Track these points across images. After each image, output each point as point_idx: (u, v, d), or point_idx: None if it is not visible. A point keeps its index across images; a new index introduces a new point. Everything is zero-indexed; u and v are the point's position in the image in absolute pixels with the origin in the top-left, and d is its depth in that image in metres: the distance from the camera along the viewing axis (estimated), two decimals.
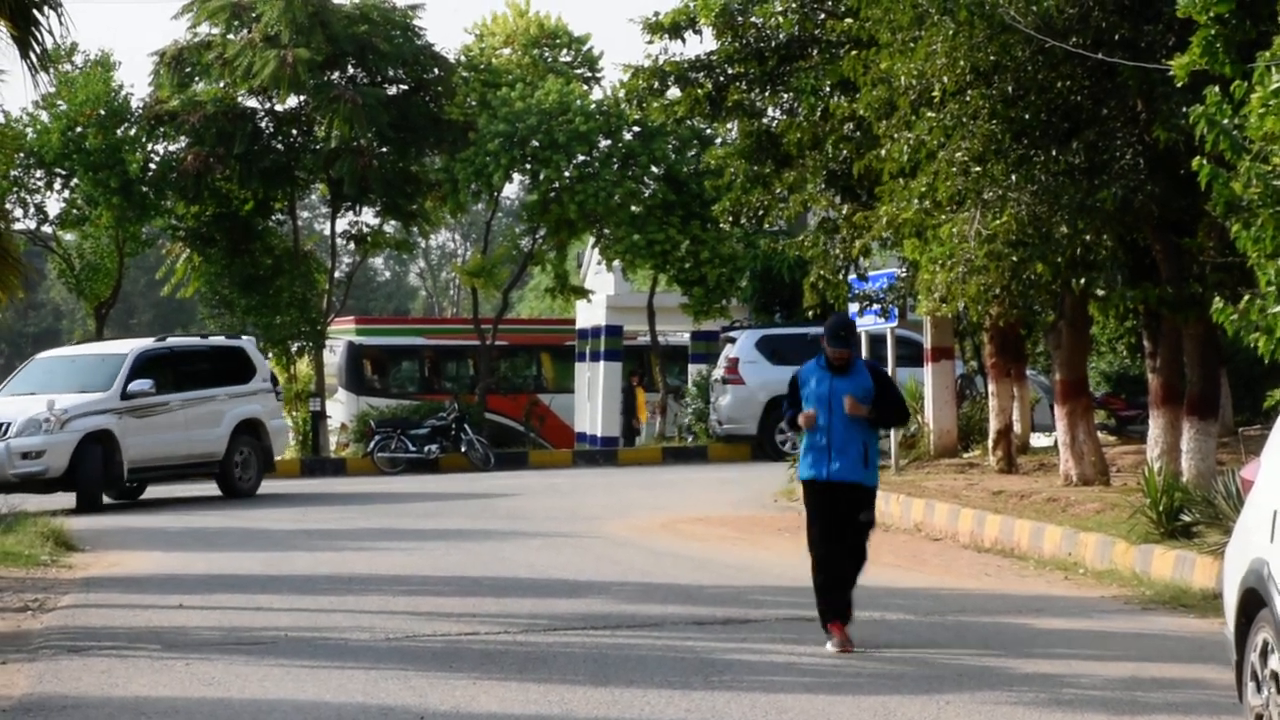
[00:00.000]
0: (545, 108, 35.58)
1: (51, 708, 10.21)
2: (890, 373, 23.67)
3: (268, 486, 27.22)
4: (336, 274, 39.14)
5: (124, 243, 36.73)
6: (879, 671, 11.16)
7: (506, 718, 9.96)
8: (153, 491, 26.97)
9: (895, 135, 17.83)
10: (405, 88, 36.83)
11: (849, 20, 20.56)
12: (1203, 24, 11.97)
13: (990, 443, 23.37)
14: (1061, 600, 14.38)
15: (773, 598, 14.47)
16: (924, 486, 21.37)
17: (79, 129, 35.40)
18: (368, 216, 39.10)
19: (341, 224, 38.28)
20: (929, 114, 17.03)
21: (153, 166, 35.95)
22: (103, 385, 25.15)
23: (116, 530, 21.30)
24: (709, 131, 35.31)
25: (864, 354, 12.77)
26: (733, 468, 31.05)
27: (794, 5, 23.19)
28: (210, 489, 26.99)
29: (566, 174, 36.01)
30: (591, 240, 40.13)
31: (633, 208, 36.32)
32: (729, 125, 27.28)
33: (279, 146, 36.54)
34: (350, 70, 36.24)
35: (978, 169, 16.76)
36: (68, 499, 24.39)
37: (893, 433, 23.90)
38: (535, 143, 35.59)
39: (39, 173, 36.05)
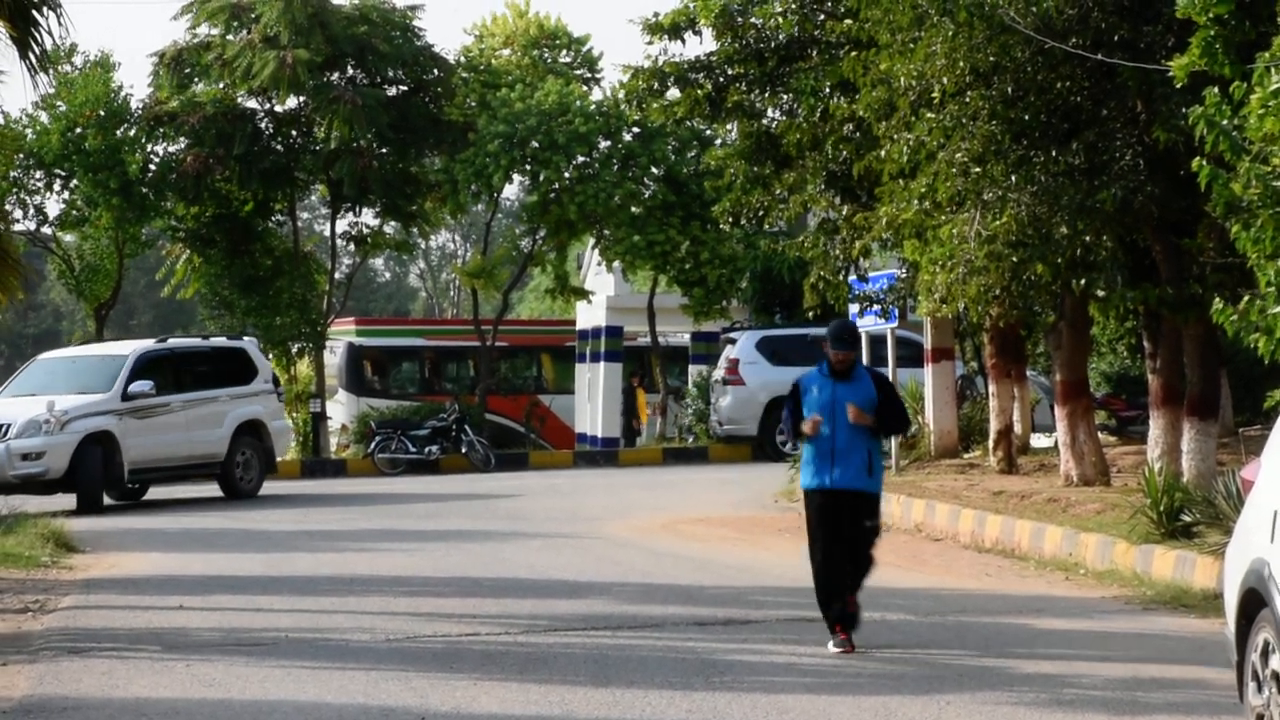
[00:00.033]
0: (545, 108, 35.58)
1: (52, 709, 10.21)
2: (891, 374, 23.77)
3: (268, 488, 27.22)
4: (336, 275, 39.14)
5: (124, 244, 36.72)
6: (880, 672, 11.17)
7: (507, 718, 9.96)
8: (154, 492, 26.97)
9: (895, 136, 17.83)
10: (405, 89, 36.82)
11: (849, 21, 20.57)
12: (1202, 25, 11.96)
13: (991, 443, 23.37)
14: (1062, 600, 14.39)
15: (773, 598, 14.48)
16: (925, 487, 21.38)
17: (78, 130, 35.40)
18: (367, 217, 39.16)
19: (341, 225, 38.31)
20: (929, 115, 17.03)
21: (152, 167, 35.94)
22: (103, 386, 25.15)
23: (117, 531, 21.31)
24: (709, 132, 35.30)
25: (864, 355, 12.72)
26: (733, 468, 31.05)
27: (794, 6, 23.18)
28: (212, 490, 26.99)
29: (566, 175, 36.01)
30: (591, 241, 40.13)
31: (633, 209, 36.32)
32: (729, 126, 27.27)
33: (279, 147, 36.53)
34: (350, 71, 36.23)
35: (977, 170, 16.76)
36: (68, 500, 24.39)
37: (891, 438, 23.88)
38: (535, 143, 35.59)
39: (39, 174, 36.04)
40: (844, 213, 23.05)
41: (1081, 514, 17.54)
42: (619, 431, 40.00)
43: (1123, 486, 19.17)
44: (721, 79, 24.18)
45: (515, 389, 42.95)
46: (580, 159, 36.15)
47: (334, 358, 40.75)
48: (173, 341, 28.27)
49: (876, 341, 26.07)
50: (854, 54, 19.49)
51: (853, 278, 24.62)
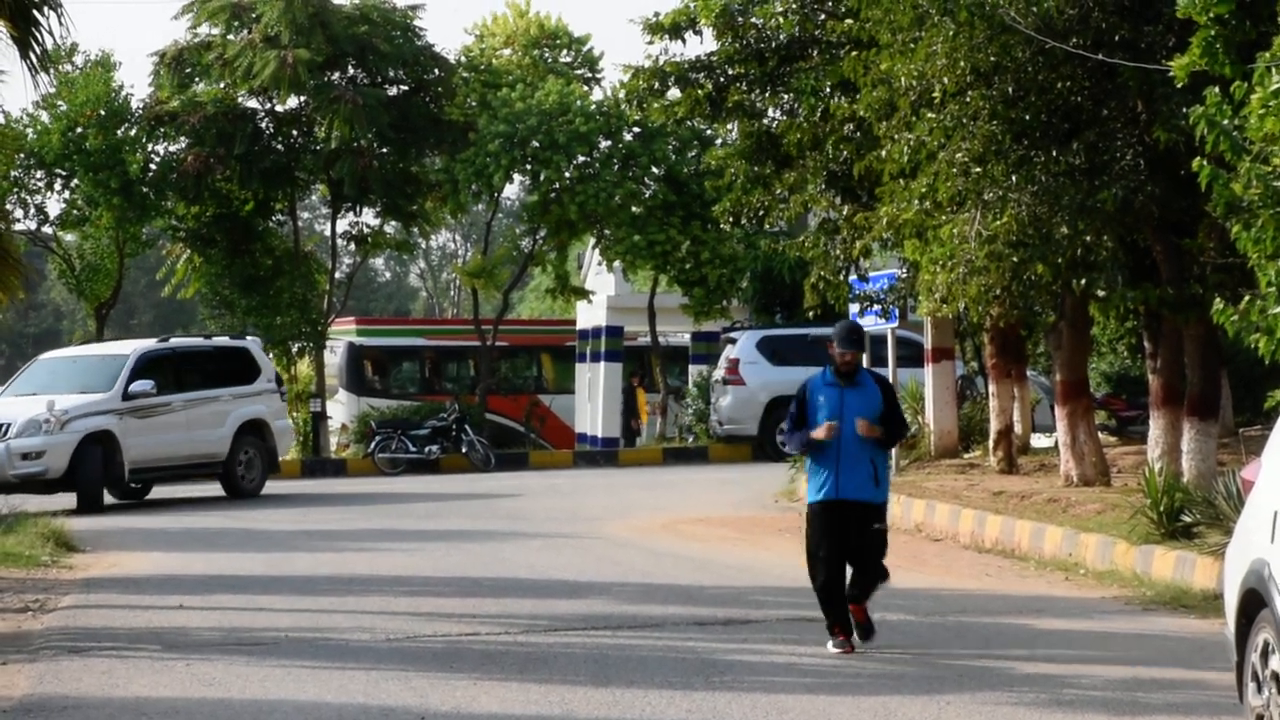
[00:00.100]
0: (545, 108, 35.58)
1: (52, 708, 10.21)
2: (891, 374, 23.78)
3: (269, 487, 27.21)
4: (337, 275, 39.15)
5: (124, 243, 36.73)
6: (879, 672, 11.17)
7: (507, 718, 9.96)
8: (155, 492, 26.98)
9: (895, 136, 17.83)
10: (405, 88, 36.83)
11: (849, 21, 20.56)
12: (1203, 25, 11.96)
13: (991, 443, 23.37)
14: (1062, 601, 14.39)
15: (773, 598, 14.48)
16: (925, 487, 21.38)
17: (79, 129, 35.40)
18: (368, 217, 39.17)
19: (342, 225, 38.32)
20: (929, 115, 17.03)
21: (153, 167, 35.95)
22: (104, 386, 25.16)
23: (117, 531, 21.31)
24: (709, 132, 35.29)
25: (864, 356, 12.59)
26: (733, 468, 31.05)
27: (794, 6, 23.18)
28: (214, 489, 26.99)
29: (567, 175, 36.00)
30: (592, 241, 40.13)
31: (633, 208, 36.31)
32: (729, 126, 27.25)
33: (279, 147, 36.54)
34: (350, 71, 36.25)
35: (978, 170, 16.76)
36: (69, 499, 24.40)
37: (892, 448, 23.88)
38: (535, 143, 35.58)
39: (39, 173, 36.05)
40: (844, 213, 23.05)
41: (1081, 514, 17.54)
42: (619, 431, 40.01)
43: (1123, 487, 19.18)
44: (722, 79, 24.18)
45: (515, 389, 42.95)
46: (581, 159, 36.15)
47: (334, 357, 40.76)
48: (175, 341, 28.28)
49: (877, 341, 26.05)
50: (854, 54, 19.49)
51: (853, 278, 24.61)
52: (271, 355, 34.28)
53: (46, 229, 37.10)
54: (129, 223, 36.08)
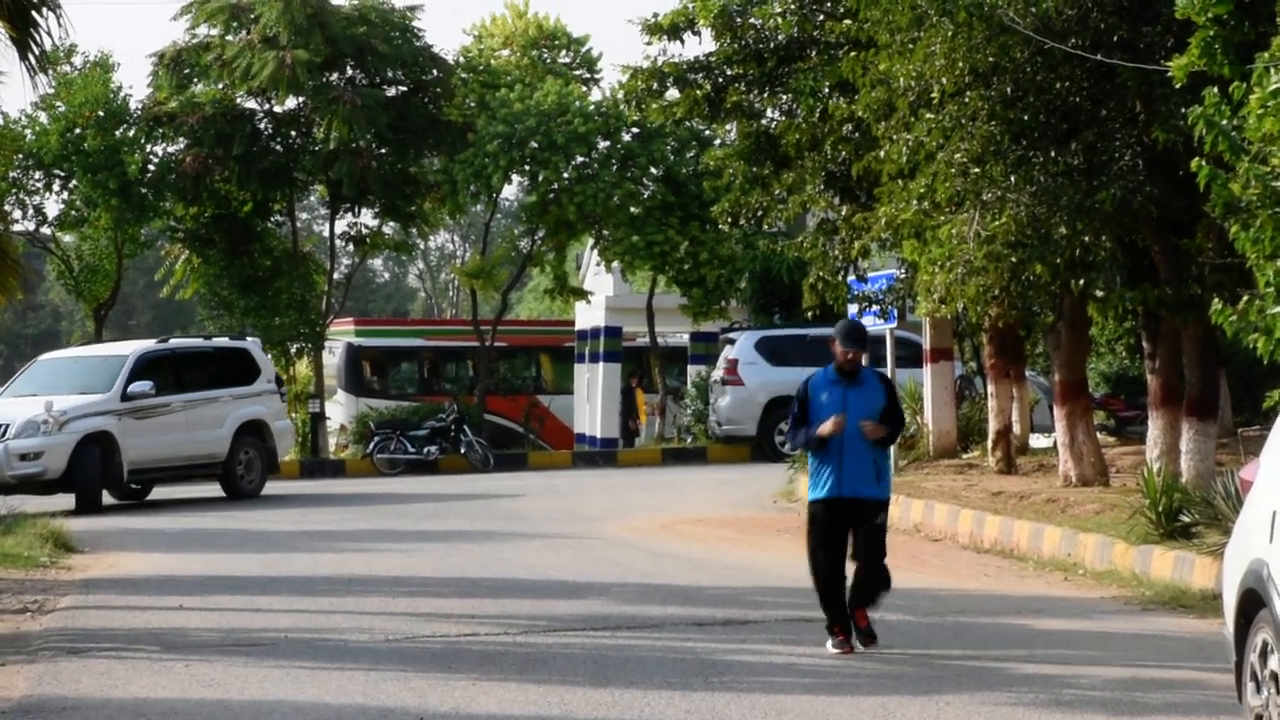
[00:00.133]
0: (544, 109, 35.58)
1: (51, 709, 10.21)
2: (890, 374, 23.77)
3: (267, 488, 27.20)
4: (335, 275, 39.14)
5: (123, 244, 36.72)
6: (878, 672, 11.17)
7: (506, 718, 9.96)
8: (155, 492, 26.98)
9: (894, 136, 17.83)
10: (404, 89, 36.83)
11: (848, 21, 20.56)
12: (1201, 25, 11.96)
13: (989, 443, 23.37)
14: (1061, 601, 14.39)
15: (772, 599, 14.48)
16: (923, 487, 21.37)
17: (78, 130, 35.39)
18: (367, 218, 39.16)
19: (340, 225, 38.31)
20: (928, 115, 17.03)
21: (151, 168, 35.94)
22: (103, 387, 25.17)
23: (116, 531, 21.30)
24: (708, 133, 35.30)
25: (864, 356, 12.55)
26: (732, 469, 31.04)
27: (793, 6, 23.17)
28: (213, 490, 26.99)
29: (565, 175, 36.00)
30: (590, 241, 40.13)
31: (632, 209, 36.31)
32: (728, 126, 27.27)
33: (278, 148, 36.53)
34: (349, 71, 36.24)
35: (977, 170, 16.75)
36: (67, 500, 24.40)
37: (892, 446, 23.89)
38: (534, 144, 35.58)
39: (38, 174, 36.04)
40: (843, 213, 23.04)
41: (1080, 514, 17.54)
42: (618, 432, 40.01)
43: (1121, 487, 19.17)
44: (720, 79, 24.18)
45: (514, 389, 42.95)
46: (579, 159, 36.15)
47: (333, 358, 40.75)
48: (174, 342, 28.27)
49: (875, 342, 25.99)
50: (853, 54, 19.49)
51: (852, 278, 24.60)
52: (270, 356, 34.28)
53: (45, 230, 37.10)
54: (127, 223, 36.07)
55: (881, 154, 18.40)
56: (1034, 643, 12.38)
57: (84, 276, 37.33)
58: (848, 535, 11.85)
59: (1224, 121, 11.13)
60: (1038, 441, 26.73)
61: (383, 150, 36.13)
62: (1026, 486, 20.37)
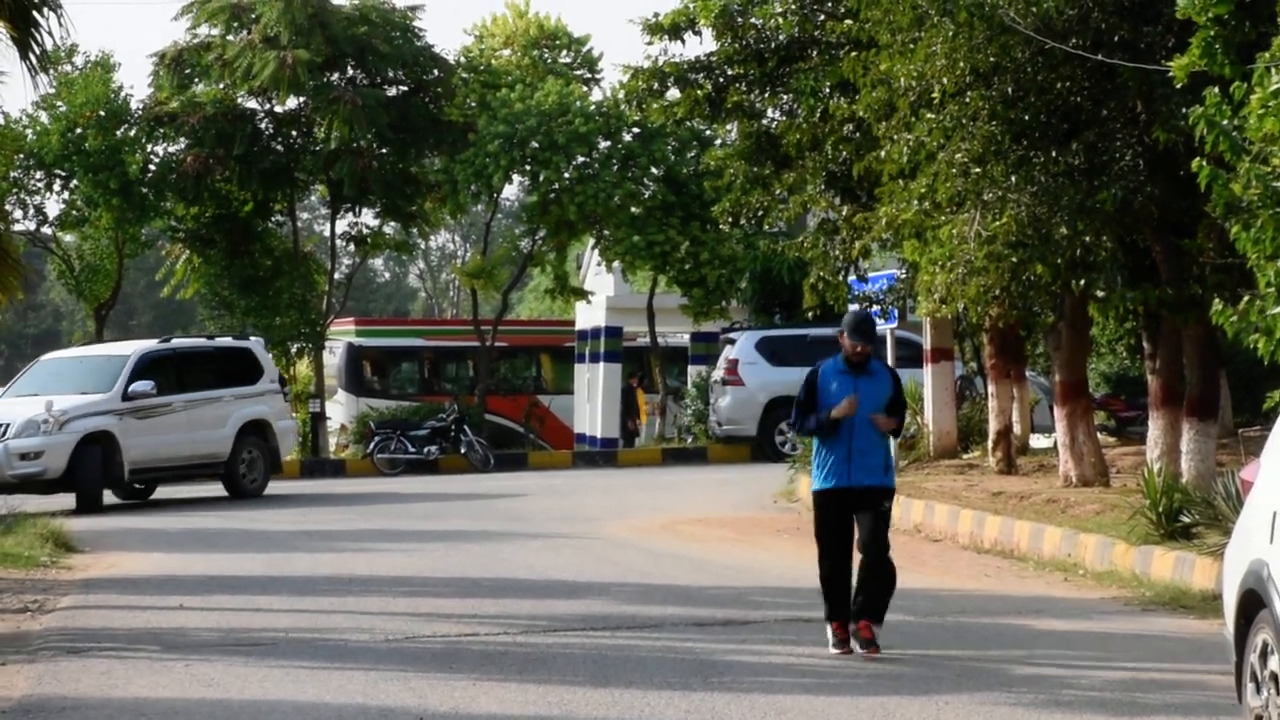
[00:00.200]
0: (545, 109, 35.58)
1: (51, 709, 10.21)
2: None
3: (268, 488, 27.20)
4: (336, 275, 39.15)
5: (123, 244, 36.74)
6: (878, 672, 11.16)
7: (506, 718, 9.96)
8: (157, 492, 26.99)
9: (895, 136, 17.82)
10: (405, 89, 36.84)
11: (849, 21, 20.56)
12: (1202, 25, 11.96)
13: (990, 444, 23.37)
14: (1061, 601, 14.38)
15: (772, 599, 14.47)
16: (923, 487, 21.37)
17: (79, 130, 35.41)
18: (367, 218, 39.18)
19: (341, 225, 38.33)
20: (928, 115, 17.03)
21: (152, 168, 35.96)
22: (105, 387, 25.18)
23: (116, 531, 21.31)
24: (709, 133, 35.30)
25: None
26: (732, 469, 31.04)
27: (794, 6, 23.17)
28: (216, 489, 27.00)
29: (566, 175, 36.01)
30: (591, 241, 40.13)
31: (632, 209, 36.32)
32: (728, 126, 27.27)
33: (278, 148, 36.55)
34: (350, 71, 36.26)
35: (977, 170, 16.75)
36: (68, 500, 24.41)
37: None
38: (535, 144, 35.59)
39: (39, 174, 36.06)
40: (844, 213, 23.04)
41: (1080, 515, 17.53)
42: (618, 432, 40.02)
43: (1122, 487, 19.17)
44: (721, 79, 24.17)
45: (514, 389, 42.96)
46: (580, 159, 36.16)
47: (333, 358, 40.76)
48: (176, 342, 28.28)
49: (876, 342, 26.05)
50: (854, 54, 19.49)
51: (852, 278, 24.61)
52: (271, 356, 34.29)
53: (46, 230, 37.13)
54: (128, 223, 36.09)
55: (882, 154, 18.39)
56: (1034, 643, 12.37)
57: (85, 276, 37.34)
58: (853, 525, 11.80)
59: (1225, 121, 11.13)
60: (1038, 442, 26.73)
61: (383, 150, 36.14)
62: (1027, 487, 20.37)
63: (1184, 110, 12.29)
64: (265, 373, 27.33)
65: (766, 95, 24.11)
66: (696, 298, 36.63)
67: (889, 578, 11.77)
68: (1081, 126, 16.81)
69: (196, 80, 36.08)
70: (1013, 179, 16.64)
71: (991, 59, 16.51)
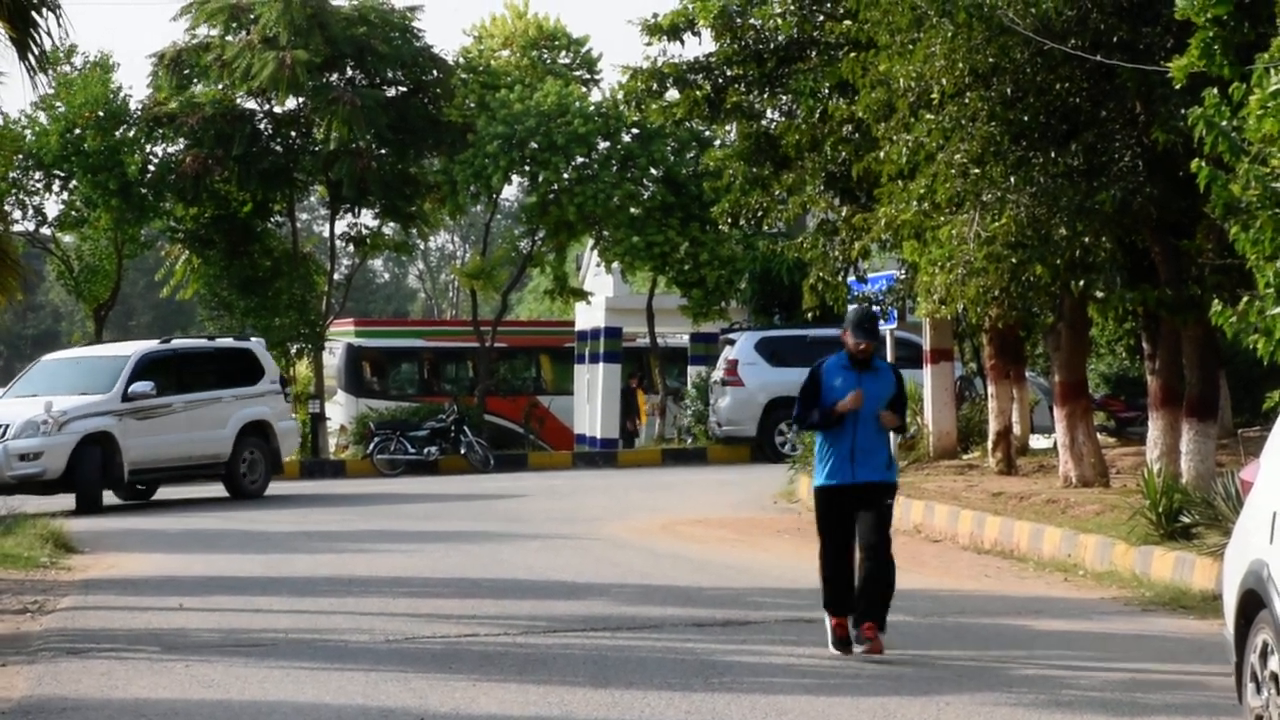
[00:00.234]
0: (544, 109, 35.59)
1: (51, 710, 10.21)
2: None
3: (268, 489, 27.20)
4: (335, 276, 39.14)
5: (123, 245, 36.73)
6: (878, 673, 11.16)
7: (506, 719, 9.96)
8: (158, 493, 26.98)
9: (894, 137, 17.83)
10: (404, 89, 36.84)
11: (848, 22, 20.56)
12: (1201, 26, 11.96)
13: (989, 444, 23.37)
14: (1061, 602, 14.39)
15: (772, 599, 14.47)
16: (923, 488, 21.37)
17: (78, 131, 35.40)
18: (366, 218, 39.17)
19: (340, 226, 38.31)
20: (928, 116, 17.03)
21: (151, 168, 35.95)
22: (104, 387, 25.19)
23: (116, 532, 21.30)
24: (708, 133, 35.29)
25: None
26: (732, 469, 31.04)
27: (792, 7, 23.17)
28: (216, 490, 27.01)
29: (565, 176, 36.01)
30: (590, 242, 40.14)
31: (632, 209, 36.32)
32: (728, 127, 27.25)
33: (278, 148, 36.54)
34: (349, 72, 36.26)
35: (976, 171, 16.75)
36: (68, 500, 24.41)
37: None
38: (534, 144, 35.59)
39: (38, 174, 36.05)
40: (843, 214, 23.04)
41: (1080, 515, 17.54)
42: (618, 433, 40.02)
43: (1122, 488, 19.17)
44: (720, 80, 24.18)
45: (514, 390, 42.95)
46: (579, 160, 36.16)
47: (333, 359, 40.76)
48: (177, 342, 28.29)
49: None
50: (853, 55, 19.49)
51: (852, 279, 24.61)
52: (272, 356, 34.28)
53: (45, 230, 37.11)
54: (127, 224, 36.08)
55: (881, 155, 18.40)
56: (1034, 643, 12.38)
57: (84, 277, 37.32)
58: (855, 522, 11.74)
59: (1224, 122, 11.13)
60: (1038, 442, 26.73)
61: (383, 151, 36.13)
62: (1027, 487, 20.37)
63: (1183, 111, 12.29)
64: (266, 373, 27.34)
65: (765, 96, 24.11)
66: (696, 298, 36.64)
67: (889, 577, 11.70)
68: (1080, 127, 16.81)
69: (195, 81, 36.08)
70: (1012, 180, 16.64)
71: (990, 60, 16.52)
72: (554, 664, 11.51)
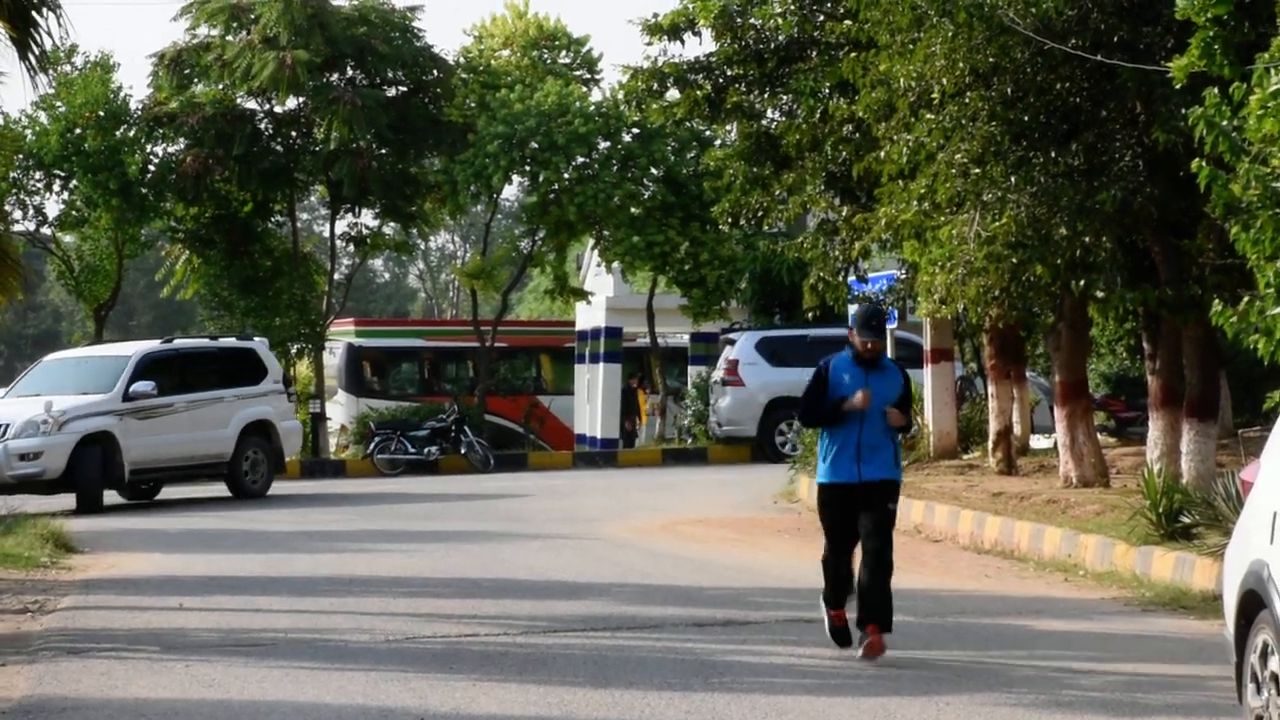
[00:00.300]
0: (544, 109, 35.59)
1: (51, 709, 10.21)
2: None
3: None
4: (336, 276, 39.15)
5: (123, 244, 36.73)
6: (878, 673, 11.16)
7: (506, 719, 9.96)
8: (160, 492, 26.98)
9: (894, 137, 17.83)
10: (404, 89, 36.85)
11: (848, 22, 20.56)
12: (1201, 26, 11.96)
13: (990, 444, 23.37)
14: (1061, 602, 14.39)
15: (772, 599, 14.47)
16: (924, 488, 21.36)
17: (78, 131, 35.40)
18: (367, 218, 39.18)
19: (341, 226, 38.32)
20: (928, 116, 17.03)
21: (152, 168, 35.96)
22: (106, 387, 25.19)
23: (116, 532, 21.30)
24: (708, 133, 35.29)
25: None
26: (732, 469, 31.05)
27: (793, 7, 23.17)
28: (219, 489, 27.02)
29: (566, 176, 36.02)
30: (591, 242, 40.14)
31: (632, 209, 36.32)
32: (728, 127, 27.27)
33: (278, 148, 36.55)
34: (349, 72, 36.26)
35: (977, 171, 16.75)
36: (69, 500, 24.41)
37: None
38: (534, 144, 35.59)
39: (38, 174, 36.05)
40: (843, 214, 23.05)
41: (1081, 515, 17.53)
42: (618, 433, 40.02)
43: (1122, 488, 19.17)
44: (721, 80, 24.18)
45: (514, 390, 42.95)
46: (579, 160, 36.16)
47: (333, 358, 40.76)
48: (179, 342, 28.30)
49: None
50: (853, 55, 19.49)
51: (852, 279, 24.61)
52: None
53: (45, 230, 37.11)
54: (128, 224, 36.08)
55: (882, 154, 18.40)
56: (1034, 644, 12.38)
57: (84, 277, 37.33)
58: (858, 518, 11.67)
59: (1224, 122, 11.13)
60: (1038, 442, 26.73)
61: (383, 151, 36.14)
62: (1027, 487, 20.36)
63: (1183, 111, 12.29)
64: (269, 373, 27.34)
65: (766, 96, 24.12)
66: (696, 298, 36.64)
67: (887, 582, 11.60)
68: (1081, 127, 16.81)
69: (196, 81, 36.08)
70: (1012, 180, 16.64)
71: (991, 60, 16.51)
72: (554, 664, 11.51)
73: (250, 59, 34.48)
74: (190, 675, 11.26)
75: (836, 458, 11.67)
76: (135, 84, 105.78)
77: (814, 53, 22.95)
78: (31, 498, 24.02)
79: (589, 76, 39.32)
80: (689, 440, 36.47)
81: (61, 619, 14.00)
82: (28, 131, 35.62)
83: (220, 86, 35.67)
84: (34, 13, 15.76)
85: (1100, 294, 17.79)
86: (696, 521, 21.36)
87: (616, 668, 11.29)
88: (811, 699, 10.32)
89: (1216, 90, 11.30)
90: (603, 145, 36.39)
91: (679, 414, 38.18)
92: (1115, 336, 30.79)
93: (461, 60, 38.37)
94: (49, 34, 15.90)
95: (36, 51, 15.87)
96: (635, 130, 36.13)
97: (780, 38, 23.44)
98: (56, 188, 36.29)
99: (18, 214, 35.61)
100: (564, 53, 39.40)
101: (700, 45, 50.15)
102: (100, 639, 12.84)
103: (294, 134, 36.69)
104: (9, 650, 12.41)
